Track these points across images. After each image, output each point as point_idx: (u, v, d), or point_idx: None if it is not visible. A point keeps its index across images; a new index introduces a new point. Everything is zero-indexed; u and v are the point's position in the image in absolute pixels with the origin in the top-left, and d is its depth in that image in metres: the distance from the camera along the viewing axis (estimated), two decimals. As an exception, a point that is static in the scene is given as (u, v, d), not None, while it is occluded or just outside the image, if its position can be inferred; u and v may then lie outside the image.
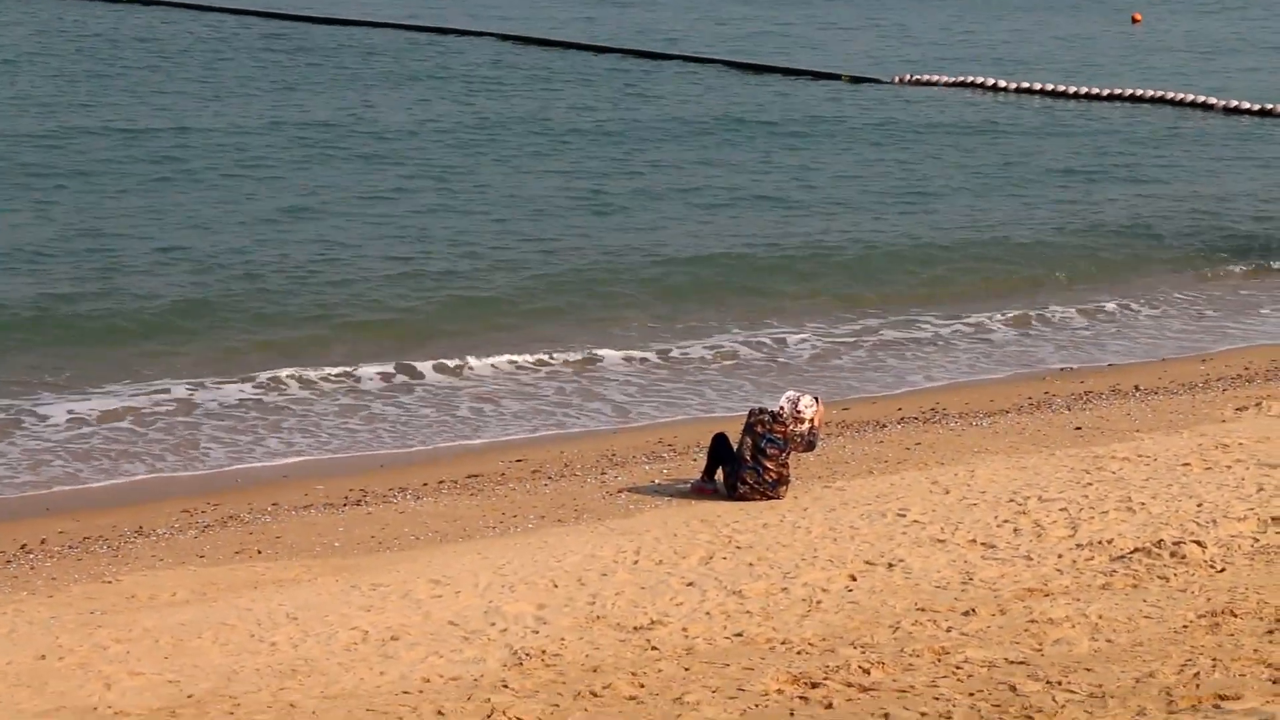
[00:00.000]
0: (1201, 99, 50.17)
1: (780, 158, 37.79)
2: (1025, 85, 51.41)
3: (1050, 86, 51.37)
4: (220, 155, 34.74)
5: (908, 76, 52.38)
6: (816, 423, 16.68)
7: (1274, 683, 9.52)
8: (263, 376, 21.47)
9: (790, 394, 16.78)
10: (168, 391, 20.74)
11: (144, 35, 50.49)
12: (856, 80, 52.18)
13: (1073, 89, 51.09)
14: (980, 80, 51.92)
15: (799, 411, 16.47)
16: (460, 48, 51.61)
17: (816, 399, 16.84)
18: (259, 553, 15.42)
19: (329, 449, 19.50)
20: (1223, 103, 49.85)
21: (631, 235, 29.89)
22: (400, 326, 24.31)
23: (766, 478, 16.37)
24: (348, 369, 21.97)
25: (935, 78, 52.09)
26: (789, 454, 16.44)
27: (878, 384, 22.82)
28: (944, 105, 46.84)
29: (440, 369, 22.28)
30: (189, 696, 10.84)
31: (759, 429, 16.45)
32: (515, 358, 22.85)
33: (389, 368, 22.19)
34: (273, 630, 12.43)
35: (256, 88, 43.07)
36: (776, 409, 16.58)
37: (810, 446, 16.68)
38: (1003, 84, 51.60)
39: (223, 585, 14.11)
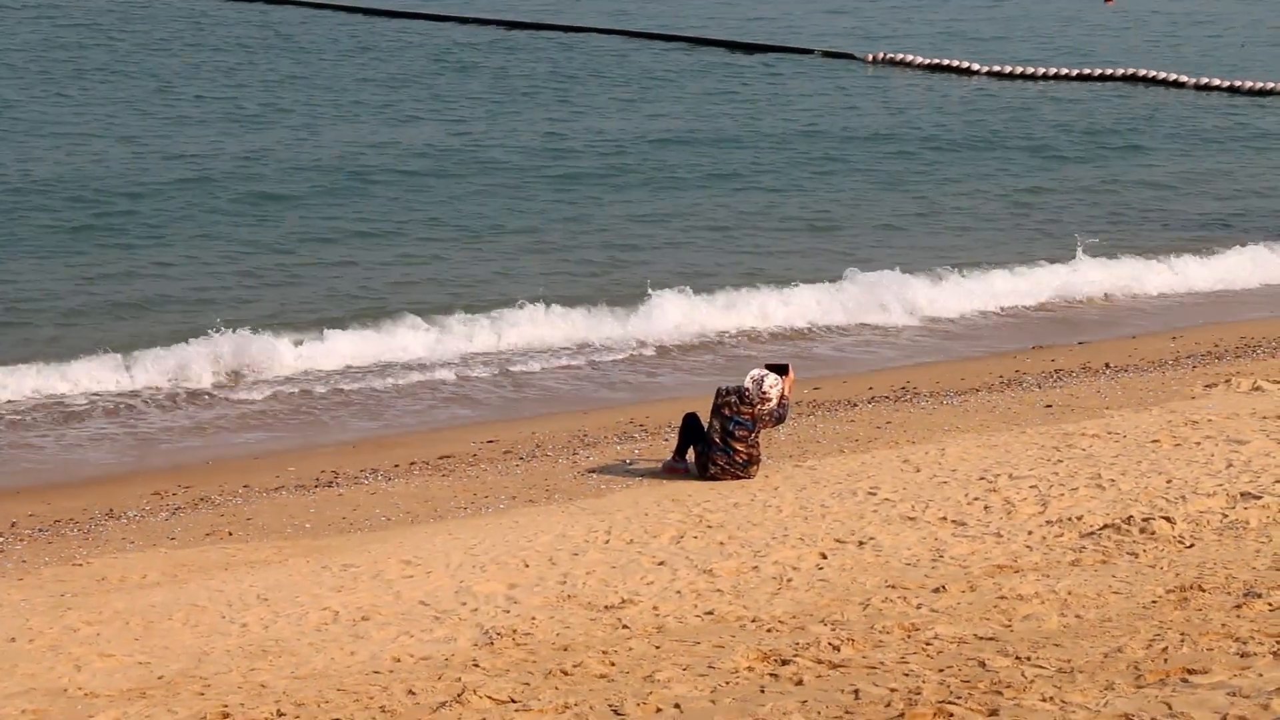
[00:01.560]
0: (1173, 77, 50.28)
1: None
2: (998, 69, 51.48)
3: (1022, 70, 51.46)
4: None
5: (881, 55, 52.40)
6: (786, 392, 16.63)
7: (1242, 656, 9.56)
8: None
9: (755, 372, 16.65)
10: (139, 373, 20.67)
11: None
12: (830, 56, 52.19)
13: (1040, 70, 51.17)
14: (954, 63, 51.97)
15: (764, 391, 16.39)
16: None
17: (785, 368, 16.73)
18: (230, 534, 15.39)
19: (302, 431, 19.49)
20: (1193, 80, 49.94)
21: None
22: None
23: (737, 459, 16.37)
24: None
25: (909, 58, 52.11)
26: (758, 433, 16.43)
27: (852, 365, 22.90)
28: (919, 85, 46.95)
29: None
30: (159, 678, 10.82)
31: (726, 411, 16.40)
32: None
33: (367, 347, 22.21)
34: (244, 611, 12.42)
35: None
36: (743, 388, 16.50)
37: (780, 420, 16.62)
38: (976, 66, 51.66)
39: (193, 567, 14.09)
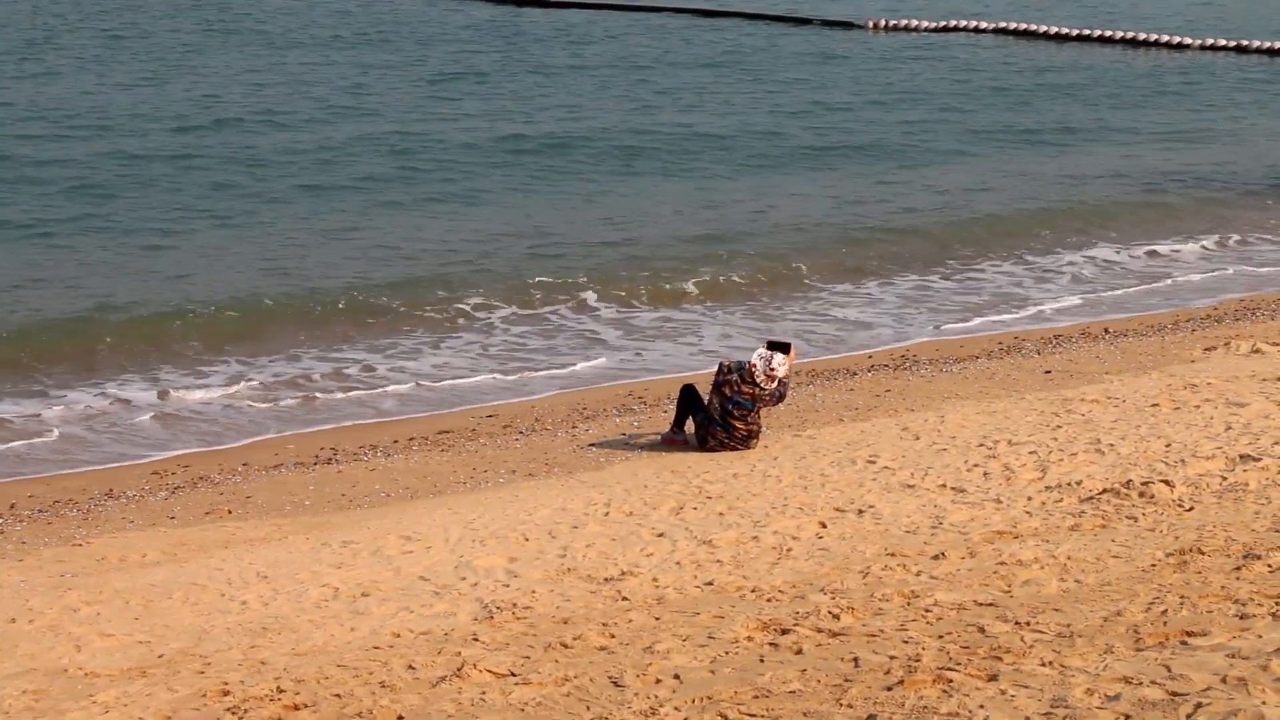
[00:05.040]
0: (1177, 39, 50.19)
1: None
2: (1003, 25, 51.34)
3: (1025, 26, 51.32)
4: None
5: (883, 22, 52.25)
6: (787, 372, 16.58)
7: (1241, 618, 9.54)
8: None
9: (762, 351, 16.53)
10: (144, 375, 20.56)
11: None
12: (829, 25, 52.06)
13: (1049, 29, 51.08)
14: (960, 24, 51.81)
15: (771, 369, 16.30)
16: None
17: (788, 346, 16.65)
18: (229, 513, 15.38)
19: (302, 408, 19.45)
20: (1198, 41, 49.85)
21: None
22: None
23: (736, 435, 16.33)
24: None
25: (913, 23, 51.97)
26: (758, 411, 16.38)
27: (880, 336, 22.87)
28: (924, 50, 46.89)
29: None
30: (159, 656, 10.81)
31: (726, 390, 16.32)
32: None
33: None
34: (243, 589, 12.41)
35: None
36: (748, 365, 16.42)
37: (780, 399, 16.55)
38: (984, 25, 51.52)
39: (193, 545, 14.08)
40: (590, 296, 23.73)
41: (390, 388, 20.04)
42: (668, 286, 24.22)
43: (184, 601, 12.17)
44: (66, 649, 11.11)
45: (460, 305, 23.10)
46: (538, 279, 24.27)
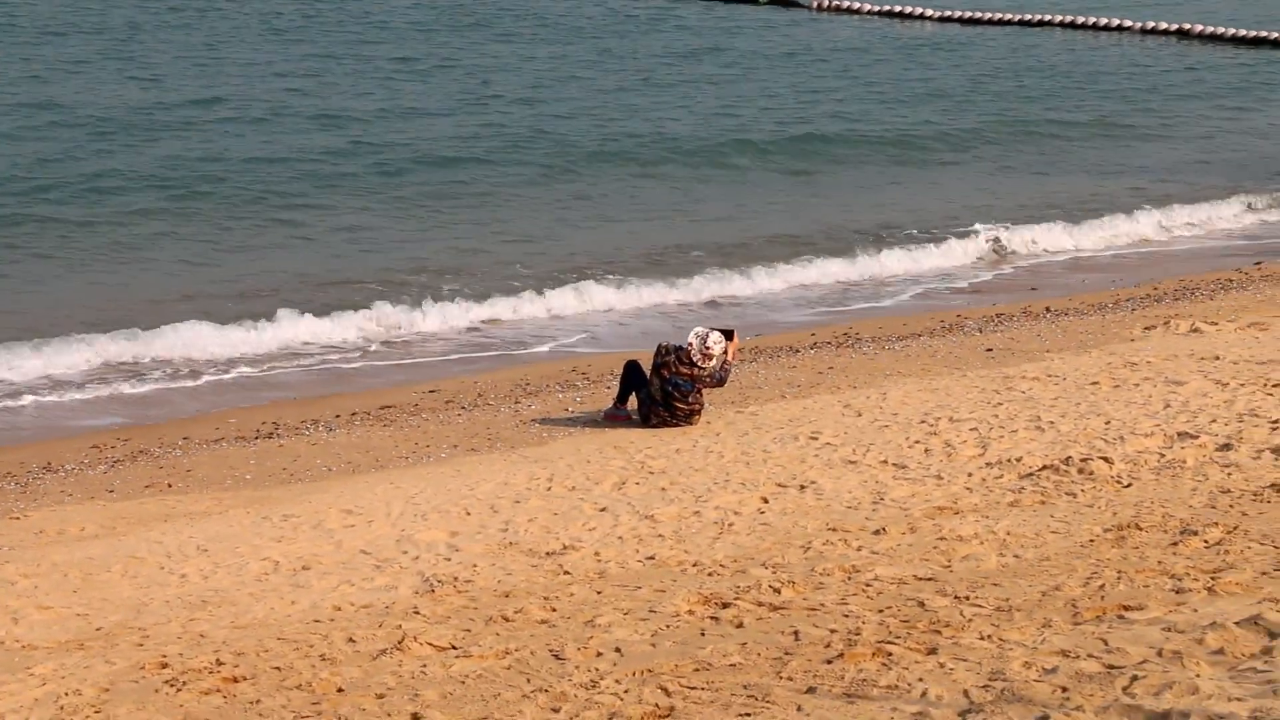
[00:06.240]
0: (1115, 22, 50.43)
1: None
2: (948, 13, 51.39)
3: (971, 15, 51.41)
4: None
5: (826, 2, 52.27)
6: (730, 357, 16.60)
7: (1177, 592, 9.62)
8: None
9: (699, 330, 16.57)
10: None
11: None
12: (775, 3, 52.08)
13: (994, 15, 51.19)
14: (903, 10, 51.85)
15: (707, 348, 16.32)
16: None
17: (730, 333, 16.68)
18: (169, 486, 15.30)
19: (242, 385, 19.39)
20: (1139, 25, 50.10)
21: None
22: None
23: (678, 414, 16.35)
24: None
25: (856, 4, 52.01)
26: (698, 391, 16.38)
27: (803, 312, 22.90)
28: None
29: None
30: (98, 629, 10.75)
31: (665, 372, 16.32)
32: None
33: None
34: (183, 562, 12.35)
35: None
36: (683, 346, 16.44)
37: (720, 382, 16.55)
38: (930, 12, 51.56)
39: (132, 519, 14.00)
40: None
41: (334, 360, 20.00)
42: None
43: (123, 574, 12.10)
44: (3, 621, 11.03)
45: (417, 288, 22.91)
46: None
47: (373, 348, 20.89)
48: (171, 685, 9.26)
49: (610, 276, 23.58)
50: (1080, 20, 49.78)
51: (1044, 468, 13.39)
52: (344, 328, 21.19)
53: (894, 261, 25.31)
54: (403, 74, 39.11)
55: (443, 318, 21.82)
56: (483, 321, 21.94)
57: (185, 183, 27.91)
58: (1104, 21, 49.60)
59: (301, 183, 28.50)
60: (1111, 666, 8.22)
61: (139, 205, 26.45)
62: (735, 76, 40.44)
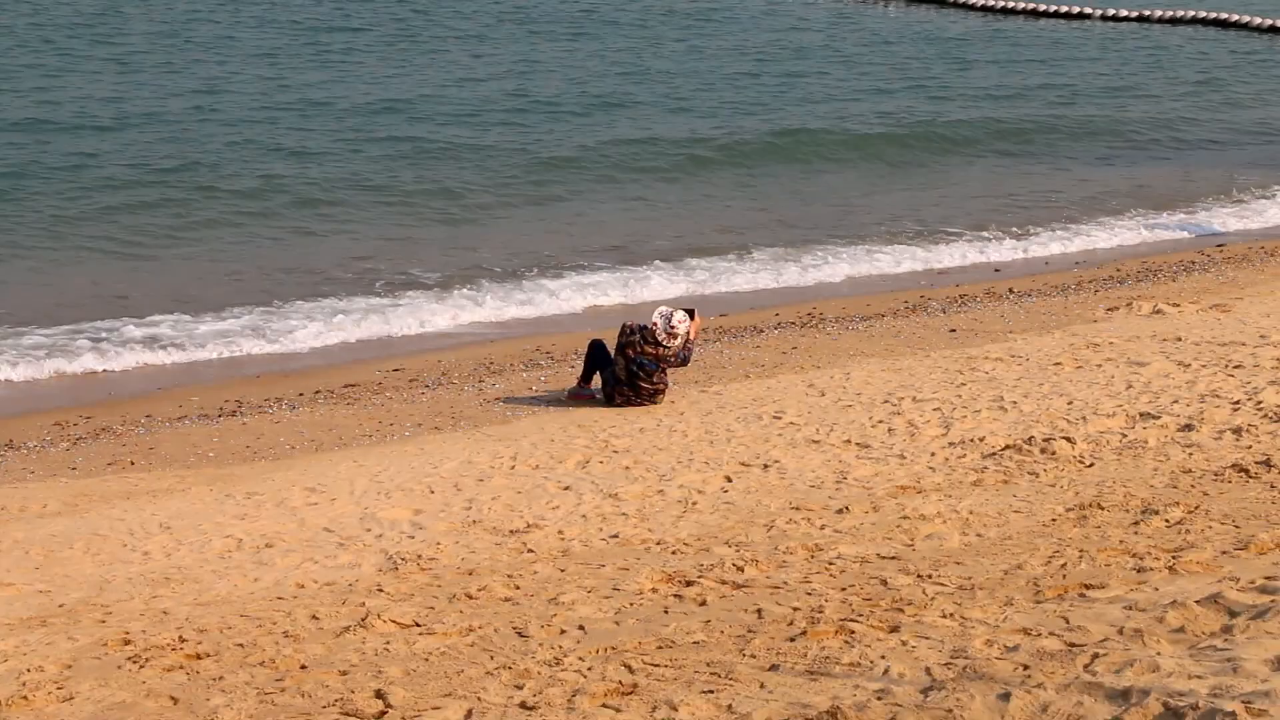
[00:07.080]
0: (1065, 8, 50.54)
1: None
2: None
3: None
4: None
5: None
6: (692, 335, 16.62)
7: (1138, 571, 9.67)
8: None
9: (663, 309, 16.60)
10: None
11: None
12: None
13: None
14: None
15: (672, 327, 16.35)
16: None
17: (691, 312, 16.70)
18: (132, 464, 15.25)
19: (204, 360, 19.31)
20: (1099, 11, 50.23)
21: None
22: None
23: (643, 393, 16.36)
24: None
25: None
26: (663, 371, 16.40)
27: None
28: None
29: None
30: (60, 606, 10.71)
31: (630, 352, 16.34)
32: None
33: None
34: (145, 540, 12.31)
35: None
36: (647, 326, 16.46)
37: (684, 362, 16.58)
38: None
39: (95, 496, 13.95)
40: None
41: (298, 338, 19.93)
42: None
43: (85, 552, 12.06)
44: (-35, 599, 10.98)
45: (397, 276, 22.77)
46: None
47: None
48: (134, 662, 9.23)
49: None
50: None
51: (1007, 447, 13.45)
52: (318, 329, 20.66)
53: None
54: (401, 67, 38.94)
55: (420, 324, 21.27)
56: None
57: (157, 175, 27.71)
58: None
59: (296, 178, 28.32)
60: (1073, 644, 8.26)
61: (104, 202, 26.25)
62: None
